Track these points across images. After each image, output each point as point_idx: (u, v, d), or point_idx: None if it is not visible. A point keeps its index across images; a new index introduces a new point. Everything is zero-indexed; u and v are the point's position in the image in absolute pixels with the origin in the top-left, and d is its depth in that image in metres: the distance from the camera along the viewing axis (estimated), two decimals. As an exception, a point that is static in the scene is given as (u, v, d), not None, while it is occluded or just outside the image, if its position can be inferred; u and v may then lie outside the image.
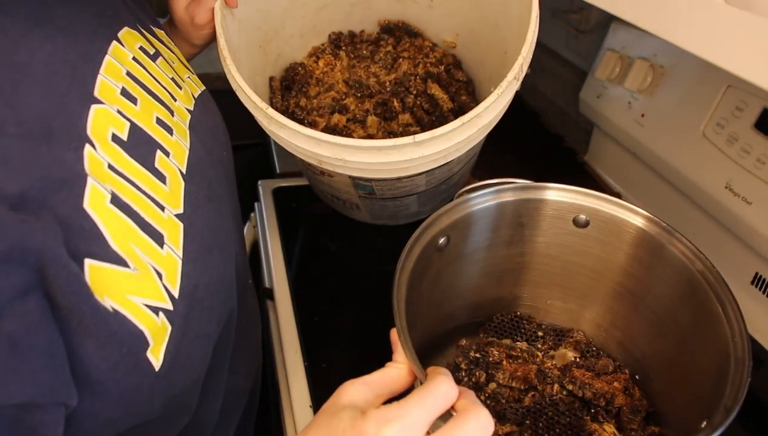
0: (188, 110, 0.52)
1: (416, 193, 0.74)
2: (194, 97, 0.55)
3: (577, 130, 1.13)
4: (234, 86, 0.60)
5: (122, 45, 0.47)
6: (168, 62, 0.54)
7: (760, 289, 0.72)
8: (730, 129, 0.73)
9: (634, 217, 0.59)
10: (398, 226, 0.87)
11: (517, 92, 0.61)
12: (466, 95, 0.76)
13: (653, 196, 0.91)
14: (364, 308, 0.76)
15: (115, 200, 0.37)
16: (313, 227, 0.92)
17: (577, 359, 0.64)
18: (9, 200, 0.31)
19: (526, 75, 0.59)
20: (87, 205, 0.35)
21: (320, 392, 0.63)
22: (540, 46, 1.28)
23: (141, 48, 0.50)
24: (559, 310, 0.68)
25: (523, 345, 0.64)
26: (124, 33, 0.48)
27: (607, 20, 0.99)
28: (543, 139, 1.14)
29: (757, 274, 0.73)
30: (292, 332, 0.71)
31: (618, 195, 0.97)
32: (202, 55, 0.70)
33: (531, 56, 0.58)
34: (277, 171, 1.04)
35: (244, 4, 0.64)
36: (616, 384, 0.59)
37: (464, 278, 0.65)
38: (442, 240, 0.58)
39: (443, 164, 0.65)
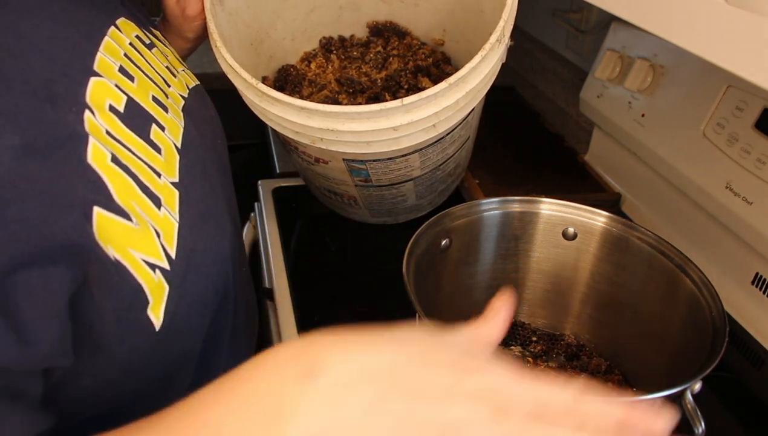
0: (182, 97, 0.53)
1: (412, 179, 0.75)
2: (188, 87, 0.57)
3: (577, 130, 1.13)
4: (225, 67, 0.60)
5: (120, 31, 0.49)
6: (163, 54, 0.55)
7: (760, 289, 0.72)
8: (730, 129, 0.73)
9: (610, 223, 0.62)
10: (397, 225, 0.87)
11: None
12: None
13: (653, 196, 0.91)
14: (364, 307, 0.76)
15: (115, 160, 0.38)
16: (313, 227, 0.92)
17: (571, 361, 0.65)
18: (14, 151, 0.33)
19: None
20: (90, 160, 0.36)
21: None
22: (540, 46, 1.29)
23: (137, 37, 0.51)
24: (550, 320, 0.70)
25: (517, 350, 0.65)
26: (121, 21, 0.50)
27: (607, 20, 0.99)
28: (543, 139, 1.14)
29: (757, 274, 0.73)
30: (292, 332, 0.71)
31: (618, 195, 0.98)
32: (202, 55, 0.70)
33: (513, 21, 0.60)
34: (277, 171, 1.04)
35: None
36: (609, 384, 0.60)
37: (463, 289, 0.67)
38: (444, 241, 0.60)
39: (436, 142, 0.66)
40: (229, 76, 0.61)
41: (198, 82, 0.60)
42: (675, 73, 0.84)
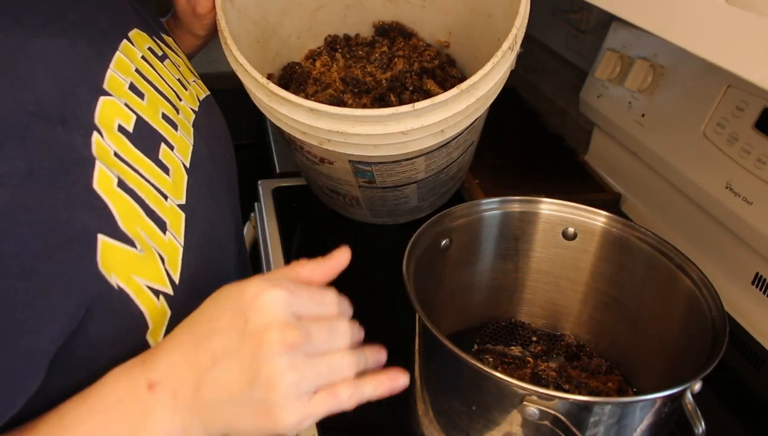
0: (193, 110, 0.53)
1: (416, 182, 0.75)
2: (199, 100, 0.56)
3: (577, 130, 1.13)
4: (234, 65, 0.60)
5: (132, 44, 0.48)
6: (175, 65, 0.55)
7: (760, 289, 0.72)
8: (730, 129, 0.73)
9: (610, 223, 0.62)
10: (397, 225, 0.87)
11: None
12: (461, 91, 0.77)
13: (653, 196, 0.91)
14: (363, 307, 0.76)
15: (122, 184, 0.38)
16: (313, 227, 0.92)
17: (571, 361, 0.65)
18: (18, 178, 0.32)
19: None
20: (96, 186, 0.36)
21: (320, 392, 0.63)
22: (540, 46, 1.29)
23: (149, 48, 0.51)
24: (550, 320, 0.70)
25: (517, 351, 0.65)
26: (134, 33, 0.50)
27: (608, 20, 0.99)
28: (543, 139, 1.14)
29: (757, 274, 0.72)
30: (292, 332, 0.71)
31: (618, 195, 0.98)
32: (201, 55, 0.70)
33: (524, 28, 0.59)
34: (277, 171, 1.04)
35: None
36: (610, 384, 0.60)
37: (463, 289, 0.67)
38: (444, 241, 0.60)
39: (442, 146, 0.66)
40: (239, 74, 0.61)
41: (208, 93, 0.60)
42: (675, 73, 0.84)
